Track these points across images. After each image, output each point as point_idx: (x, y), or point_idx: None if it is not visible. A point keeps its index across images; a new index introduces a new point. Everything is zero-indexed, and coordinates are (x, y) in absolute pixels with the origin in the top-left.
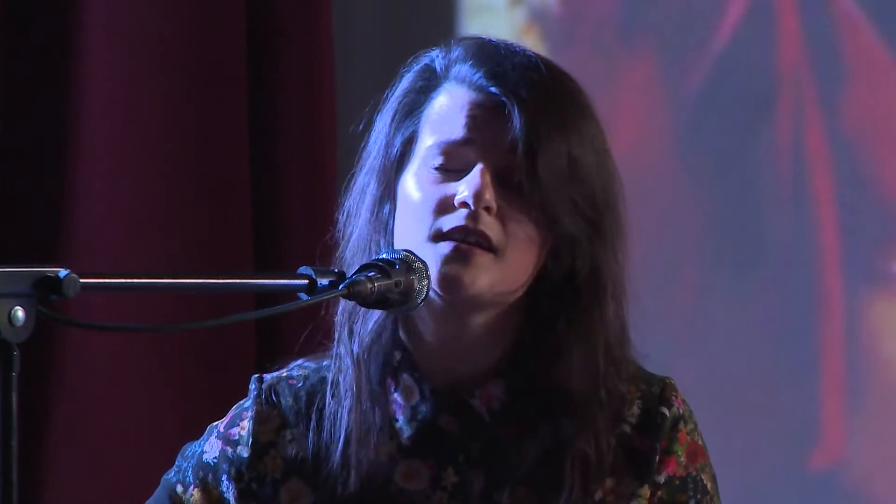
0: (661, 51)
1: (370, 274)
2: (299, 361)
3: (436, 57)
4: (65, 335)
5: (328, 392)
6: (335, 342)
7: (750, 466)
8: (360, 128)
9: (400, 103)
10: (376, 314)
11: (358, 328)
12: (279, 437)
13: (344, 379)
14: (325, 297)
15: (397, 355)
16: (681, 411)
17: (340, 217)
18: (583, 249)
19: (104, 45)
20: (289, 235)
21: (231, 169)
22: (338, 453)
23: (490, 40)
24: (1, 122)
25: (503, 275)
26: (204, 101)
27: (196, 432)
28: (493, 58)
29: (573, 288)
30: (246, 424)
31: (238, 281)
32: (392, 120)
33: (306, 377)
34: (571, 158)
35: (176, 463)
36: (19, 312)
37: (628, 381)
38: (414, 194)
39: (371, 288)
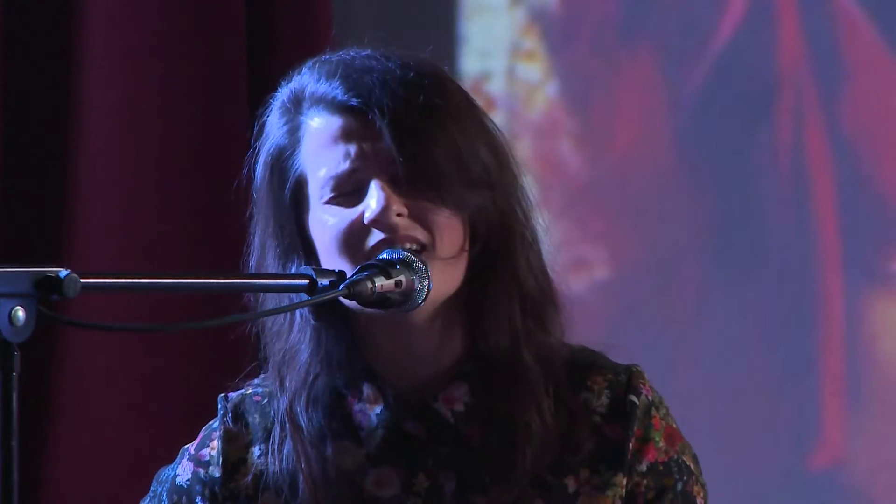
0: (661, 51)
1: (370, 274)
2: (254, 381)
3: (285, 94)
4: (65, 335)
5: (276, 431)
6: (273, 383)
7: (750, 466)
8: (243, 184)
9: (274, 151)
10: (305, 361)
11: (290, 380)
12: (248, 454)
13: (287, 425)
14: (326, 297)
15: (357, 366)
16: (650, 398)
17: (253, 263)
18: (490, 214)
19: (105, 46)
20: None
21: (231, 169)
22: (302, 468)
23: (330, 56)
24: (2, 123)
25: (442, 265)
26: (204, 101)
27: (195, 433)
28: (340, 70)
29: (490, 255)
30: (216, 444)
31: (238, 281)
32: (271, 171)
33: (270, 393)
34: (450, 139)
35: (151, 488)
36: (20, 312)
37: (575, 350)
38: (325, 233)
39: (371, 288)
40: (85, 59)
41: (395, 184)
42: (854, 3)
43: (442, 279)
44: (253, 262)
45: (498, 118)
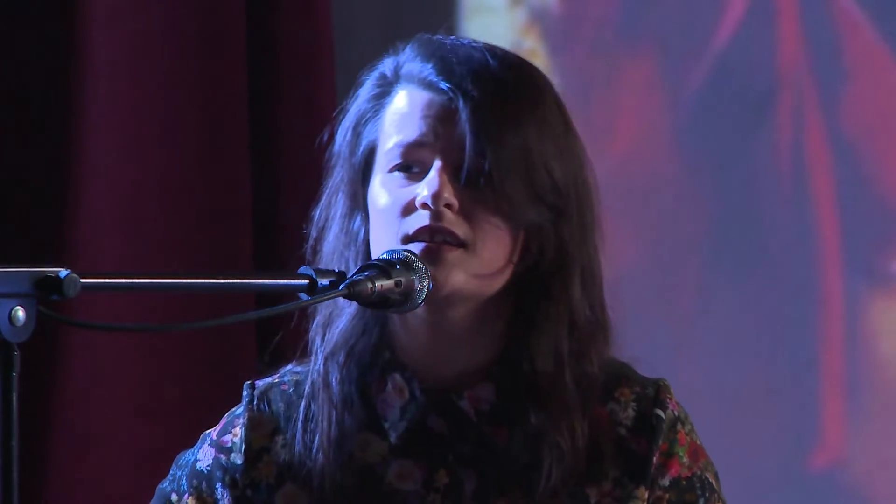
0: (661, 51)
1: (370, 274)
2: (289, 367)
3: (386, 63)
4: (65, 335)
5: (303, 405)
6: (311, 357)
7: (750, 466)
8: (325, 139)
9: (357, 114)
10: (342, 326)
11: (328, 335)
12: (272, 443)
13: (318, 388)
14: (326, 298)
15: (386, 355)
16: (676, 413)
17: (311, 232)
18: (548, 235)
19: (105, 46)
20: (289, 236)
21: (231, 169)
22: (322, 454)
23: (437, 37)
24: (1, 122)
25: (477, 268)
26: (204, 101)
27: (196, 433)
28: (439, 53)
29: (542, 275)
30: (238, 431)
31: (238, 281)
32: (352, 131)
33: (297, 382)
34: (525, 149)
35: (170, 472)
36: (20, 312)
37: (604, 365)
38: (380, 200)
39: (371, 288)
40: (85, 59)
41: (456, 174)
42: (854, 4)
43: (476, 281)
44: (319, 215)
45: None
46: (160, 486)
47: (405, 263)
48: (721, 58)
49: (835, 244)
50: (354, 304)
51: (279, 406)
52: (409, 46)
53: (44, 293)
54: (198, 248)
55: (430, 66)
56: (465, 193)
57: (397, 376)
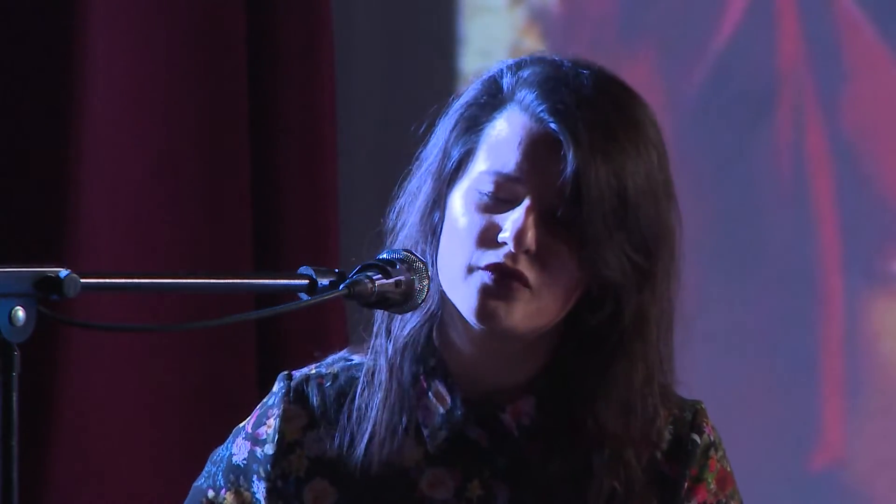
0: (661, 51)
1: (371, 274)
2: (330, 359)
3: (505, 73)
4: (65, 335)
5: (360, 387)
6: (373, 337)
7: (750, 466)
8: (423, 128)
9: (462, 115)
10: (415, 318)
11: (395, 329)
12: (305, 437)
13: (376, 376)
14: (326, 298)
15: (431, 361)
16: (711, 438)
17: (392, 211)
18: (629, 295)
19: (105, 46)
20: (289, 236)
21: (231, 170)
22: (361, 449)
23: (560, 65)
24: (1, 122)
25: (536, 310)
26: (204, 101)
27: (196, 433)
28: (558, 89)
29: (617, 327)
30: (272, 422)
31: (238, 281)
32: (453, 129)
33: (335, 376)
34: (623, 201)
35: (205, 469)
36: (20, 312)
37: (666, 407)
38: (460, 217)
39: (371, 288)
40: (85, 59)
41: (542, 215)
42: (854, 4)
43: (531, 322)
44: (403, 203)
45: None
46: (195, 483)
47: (406, 263)
48: (721, 58)
49: (835, 244)
50: (425, 305)
51: (315, 399)
52: (530, 66)
53: (44, 293)
54: (198, 248)
55: (545, 100)
56: (547, 237)
57: (441, 384)
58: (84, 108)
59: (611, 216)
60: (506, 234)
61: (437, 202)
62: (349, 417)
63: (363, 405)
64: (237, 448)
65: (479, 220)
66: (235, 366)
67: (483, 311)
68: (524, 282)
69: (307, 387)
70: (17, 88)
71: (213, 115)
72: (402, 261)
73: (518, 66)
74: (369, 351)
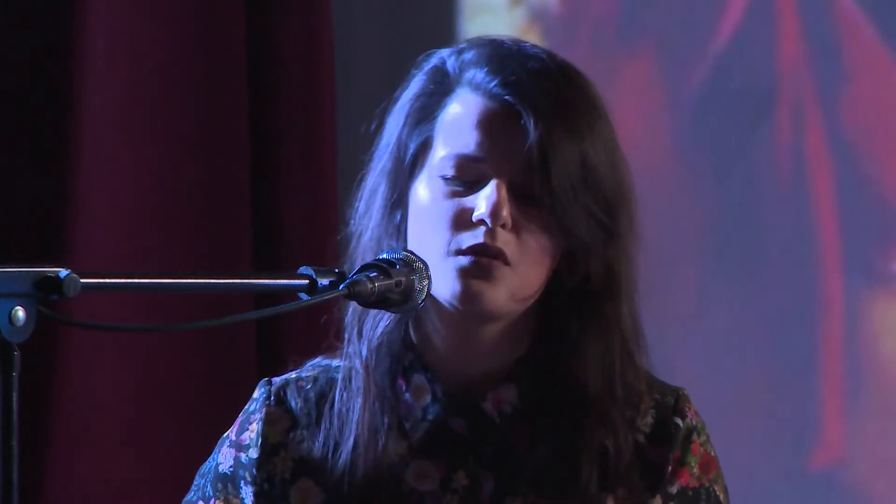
0: (661, 51)
1: (371, 274)
2: (312, 362)
3: (447, 58)
4: (65, 335)
5: (338, 392)
6: (345, 343)
7: (750, 466)
8: (373, 128)
9: (413, 106)
10: (386, 317)
11: (367, 331)
12: (289, 439)
13: (353, 380)
14: (326, 298)
15: (408, 356)
16: (694, 422)
17: (351, 216)
18: (598, 253)
19: (105, 46)
20: (289, 236)
21: (231, 169)
22: (346, 453)
23: (503, 43)
24: (1, 122)
25: (518, 286)
26: (204, 102)
27: (196, 432)
28: (507, 64)
29: (588, 290)
30: (255, 427)
31: (238, 281)
32: (405, 123)
33: (315, 378)
34: (585, 166)
35: (193, 483)
36: (20, 312)
37: (645, 379)
38: (428, 206)
39: (371, 288)
40: (85, 59)
41: (511, 189)
42: (854, 4)
43: (514, 298)
44: (361, 206)
45: None
46: (185, 499)
47: (405, 263)
48: (721, 58)
49: (835, 244)
50: None
51: (297, 402)
52: (473, 49)
53: (44, 293)
54: (198, 248)
55: (495, 75)
56: (518, 210)
57: (420, 377)
58: (84, 108)
59: (577, 180)
60: (481, 212)
61: (399, 199)
62: (331, 423)
63: (343, 410)
64: (223, 457)
65: (449, 206)
66: (235, 366)
67: (467, 294)
68: (504, 259)
69: (287, 390)
70: (17, 88)
71: (213, 115)
72: (402, 261)
73: (460, 51)
74: (344, 355)
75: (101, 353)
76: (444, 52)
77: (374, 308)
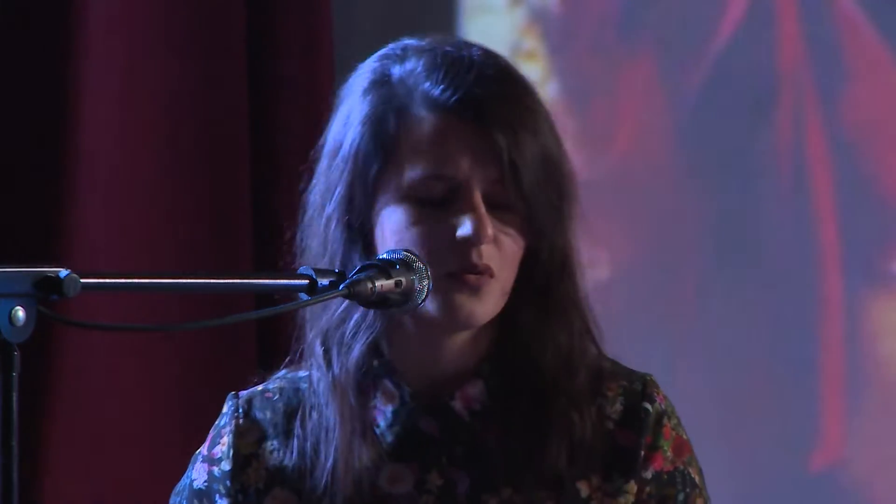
0: (661, 51)
1: (371, 274)
2: (279, 374)
3: (392, 70)
4: (65, 335)
5: (307, 403)
6: (308, 353)
7: (750, 466)
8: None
9: (368, 125)
10: (350, 328)
11: (331, 339)
12: (260, 449)
13: (321, 391)
14: (326, 298)
15: (375, 363)
16: (663, 406)
17: (305, 221)
18: (550, 236)
19: (104, 45)
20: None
21: (231, 169)
22: (320, 462)
23: (443, 48)
24: (0, 122)
25: (501, 292)
26: (204, 101)
27: (195, 432)
28: (458, 74)
29: (541, 273)
30: (226, 440)
31: (238, 281)
32: (362, 140)
33: (282, 389)
34: (547, 161)
35: (169, 503)
36: (20, 312)
37: (609, 363)
38: (403, 229)
39: (371, 288)
40: (85, 58)
41: (486, 198)
42: (854, 4)
43: (494, 306)
44: (316, 217)
45: None
46: None
47: (405, 263)
48: (721, 58)
49: (835, 244)
50: (358, 310)
51: (264, 414)
52: (413, 56)
53: (44, 293)
54: (198, 248)
55: (451, 89)
56: (493, 218)
57: (387, 382)
58: (83, 108)
59: (542, 178)
60: (467, 232)
61: (360, 217)
62: (303, 433)
63: (314, 420)
64: (196, 473)
65: (428, 227)
66: (235, 366)
67: (459, 314)
68: (490, 273)
69: (255, 402)
70: (16, 88)
71: (213, 115)
72: (401, 261)
73: (400, 59)
74: (308, 365)
75: (101, 353)
76: (386, 64)
77: (374, 308)
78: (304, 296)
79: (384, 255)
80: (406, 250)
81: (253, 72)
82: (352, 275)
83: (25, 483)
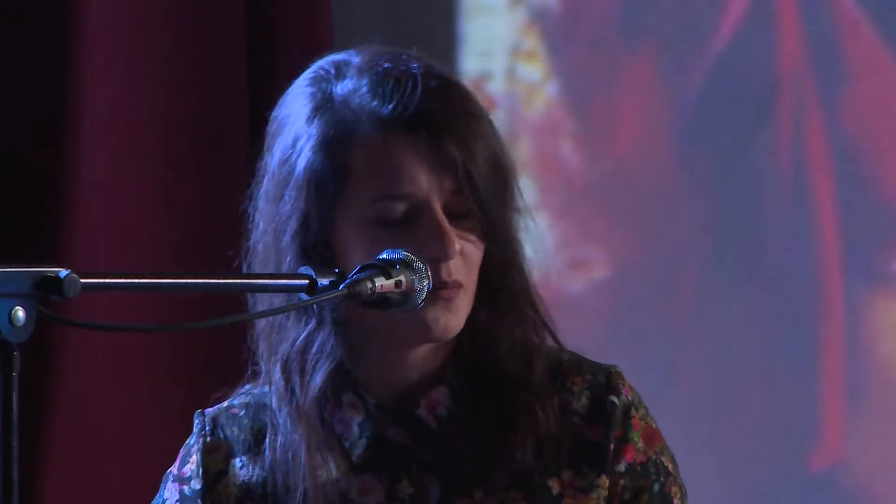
0: (661, 51)
1: (371, 274)
2: (243, 388)
3: (335, 89)
4: (65, 335)
5: (273, 420)
6: (267, 381)
7: (750, 466)
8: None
9: (315, 158)
10: (301, 342)
11: (294, 377)
12: (229, 466)
13: (285, 408)
14: (326, 297)
15: (337, 377)
16: (630, 398)
17: (254, 227)
18: (503, 234)
19: (104, 44)
20: None
21: (231, 169)
22: (291, 479)
23: (382, 63)
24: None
25: (469, 300)
26: (204, 100)
27: None
28: (402, 90)
29: (491, 267)
30: (195, 458)
31: (238, 281)
32: (312, 175)
33: (247, 405)
34: (496, 164)
35: None
36: (20, 312)
37: (569, 355)
38: (368, 251)
39: (371, 288)
40: (84, 58)
41: (446, 211)
42: (854, 4)
43: (466, 314)
44: (267, 227)
45: (498, 118)
46: None
47: (405, 263)
48: (721, 58)
49: (835, 244)
50: (301, 323)
51: (231, 431)
52: (355, 75)
53: (44, 293)
54: (198, 248)
55: (399, 107)
56: (455, 229)
57: (351, 395)
58: (83, 107)
59: (494, 181)
60: (433, 250)
61: (320, 254)
62: (272, 450)
63: (281, 437)
64: (168, 493)
65: (395, 248)
66: (235, 366)
67: (436, 329)
68: (459, 285)
69: (221, 419)
70: (16, 88)
71: (213, 114)
72: (401, 261)
73: (338, 75)
74: (268, 382)
75: (101, 353)
76: (323, 86)
77: (374, 308)
78: (304, 296)
79: (384, 255)
80: (405, 250)
81: (253, 72)
82: (352, 275)
83: (25, 483)
